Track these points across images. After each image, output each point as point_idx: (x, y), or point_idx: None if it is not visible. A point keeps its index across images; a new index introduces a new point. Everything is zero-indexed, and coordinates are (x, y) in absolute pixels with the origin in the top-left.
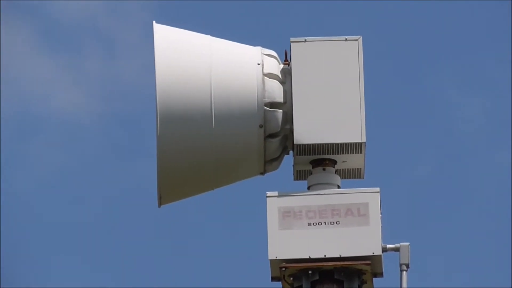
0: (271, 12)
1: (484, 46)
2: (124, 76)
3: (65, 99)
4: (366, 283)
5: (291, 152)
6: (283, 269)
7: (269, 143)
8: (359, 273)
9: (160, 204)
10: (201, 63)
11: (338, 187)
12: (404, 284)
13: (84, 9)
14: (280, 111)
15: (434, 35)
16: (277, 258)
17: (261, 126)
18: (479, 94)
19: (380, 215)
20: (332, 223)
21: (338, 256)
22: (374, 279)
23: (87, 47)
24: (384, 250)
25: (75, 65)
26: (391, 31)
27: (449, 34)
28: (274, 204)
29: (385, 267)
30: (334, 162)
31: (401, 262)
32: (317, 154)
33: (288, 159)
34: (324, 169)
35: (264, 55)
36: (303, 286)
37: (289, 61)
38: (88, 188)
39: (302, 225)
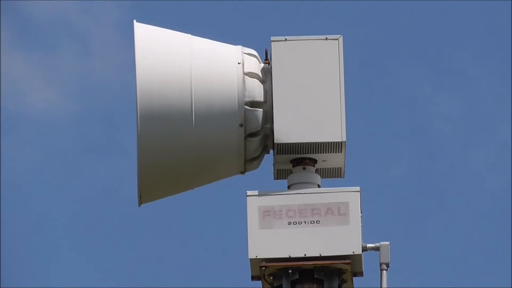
0: (251, 11)
1: (460, 42)
2: (97, 74)
3: (38, 97)
4: (346, 282)
5: (271, 151)
6: (263, 268)
7: (249, 142)
8: (339, 272)
9: (140, 203)
10: (181, 62)
11: (319, 186)
12: (384, 284)
13: (57, 7)
14: (261, 110)
15: (412, 33)
16: (257, 257)
17: (241, 125)
18: (454, 91)
19: (360, 214)
20: (312, 222)
21: (318, 255)
22: (354, 278)
23: (60, 45)
24: (364, 249)
25: (49, 63)
26: (370, 30)
27: (425, 31)
28: (254, 203)
29: (365, 266)
30: (314, 161)
31: (381, 261)
32: (297, 153)
33: (268, 158)
34: (304, 168)
35: (245, 54)
36: (283, 285)
37: (269, 60)
38: (63, 186)
39: (282, 224)
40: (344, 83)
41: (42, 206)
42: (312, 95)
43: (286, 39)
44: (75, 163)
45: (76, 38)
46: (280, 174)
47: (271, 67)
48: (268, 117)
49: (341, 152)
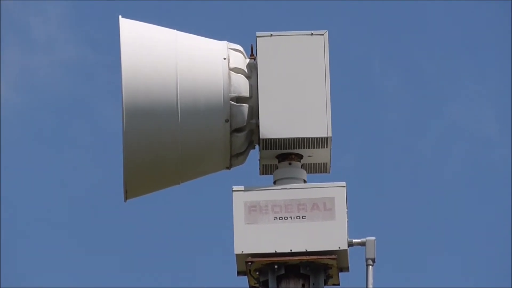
0: (237, 6)
1: (413, 30)
2: (41, 68)
3: None
4: (332, 277)
5: (257, 146)
6: (249, 263)
7: (235, 138)
8: (325, 267)
9: (126, 198)
10: (167, 58)
11: (304, 181)
12: (370, 279)
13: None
14: (246, 105)
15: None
16: (243, 253)
17: (227, 121)
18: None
19: (346, 210)
20: (298, 217)
21: (304, 250)
22: (340, 273)
23: (4, 39)
24: (350, 244)
25: None
26: (356, 25)
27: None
28: (240, 198)
29: (351, 261)
30: (300, 157)
31: (367, 256)
32: (283, 149)
33: (254, 154)
34: (290, 164)
35: (230, 50)
36: (269, 281)
37: (255, 55)
38: (12, 180)
39: (268, 219)
40: (330, 78)
41: None
42: (297, 91)
43: (271, 35)
44: (23, 156)
45: (20, 32)
46: (266, 169)
47: (256, 62)
48: (254, 112)
49: (326, 147)
